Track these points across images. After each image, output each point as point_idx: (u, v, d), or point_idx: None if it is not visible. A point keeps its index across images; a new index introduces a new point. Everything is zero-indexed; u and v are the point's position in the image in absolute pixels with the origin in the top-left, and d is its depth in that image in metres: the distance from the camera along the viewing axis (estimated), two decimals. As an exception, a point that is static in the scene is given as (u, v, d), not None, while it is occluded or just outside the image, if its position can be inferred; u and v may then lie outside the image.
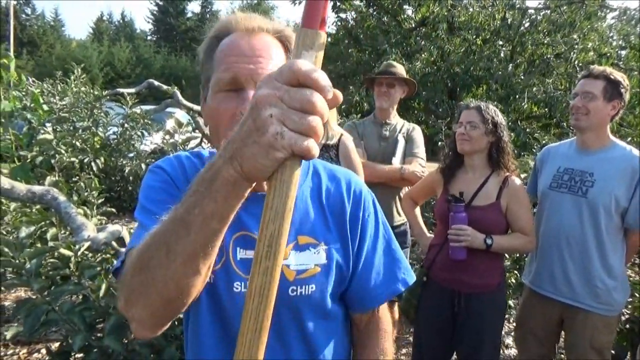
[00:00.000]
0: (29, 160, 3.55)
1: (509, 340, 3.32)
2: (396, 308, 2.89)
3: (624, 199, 2.07)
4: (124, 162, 4.77)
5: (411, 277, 1.03)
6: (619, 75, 2.11)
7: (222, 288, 0.87)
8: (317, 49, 0.57)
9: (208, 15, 36.68)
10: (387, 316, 1.06)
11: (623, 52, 8.64)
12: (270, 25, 0.88)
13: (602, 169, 2.11)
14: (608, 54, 7.72)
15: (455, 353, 2.29)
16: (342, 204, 0.98)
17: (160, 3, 36.69)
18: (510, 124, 8.74)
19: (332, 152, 2.34)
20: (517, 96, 8.22)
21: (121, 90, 5.22)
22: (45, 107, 3.97)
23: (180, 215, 0.63)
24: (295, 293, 0.90)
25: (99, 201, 3.38)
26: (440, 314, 2.21)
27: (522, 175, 3.13)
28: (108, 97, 5.30)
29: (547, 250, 2.24)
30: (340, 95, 0.57)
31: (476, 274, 2.15)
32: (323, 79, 0.54)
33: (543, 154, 2.41)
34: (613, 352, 2.44)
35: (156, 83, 5.03)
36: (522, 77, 8.45)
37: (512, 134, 8.08)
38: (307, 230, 0.93)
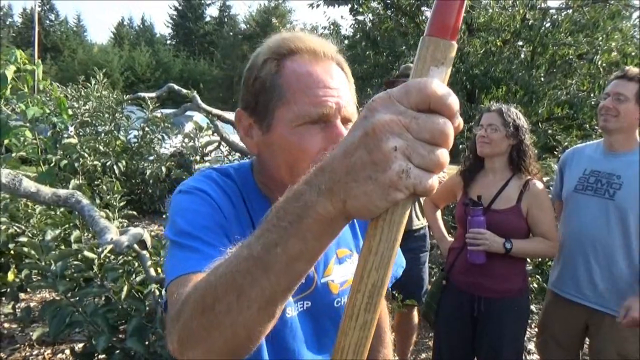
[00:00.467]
0: (53, 164, 3.63)
1: (530, 346, 3.26)
2: (416, 312, 2.87)
3: None
4: (145, 165, 4.85)
5: (401, 268, 1.11)
6: None
7: None
8: (448, 65, 0.47)
9: (226, 20, 37.05)
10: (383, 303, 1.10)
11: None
12: (329, 49, 0.83)
13: (629, 172, 2.07)
14: (633, 54, 7.55)
15: (475, 358, 2.26)
16: None
17: (180, 8, 37.22)
18: (531, 126, 8.61)
19: None
20: (537, 98, 8.10)
21: (142, 94, 5.30)
22: (69, 112, 4.06)
23: (257, 254, 0.53)
24: (339, 304, 0.94)
25: (121, 204, 3.44)
26: (460, 318, 2.19)
27: (545, 179, 3.08)
28: (129, 101, 5.40)
29: (571, 253, 2.19)
30: (462, 125, 0.48)
31: (496, 278, 2.12)
32: (457, 105, 0.45)
33: (567, 155, 2.37)
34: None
35: (176, 87, 5.09)
36: (543, 78, 8.33)
37: (533, 136, 7.99)
38: (344, 242, 0.97)
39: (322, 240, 0.51)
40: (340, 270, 0.95)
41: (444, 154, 0.45)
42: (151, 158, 5.25)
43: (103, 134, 4.57)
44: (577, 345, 2.31)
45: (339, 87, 0.81)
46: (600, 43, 7.70)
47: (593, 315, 2.16)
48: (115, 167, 4.13)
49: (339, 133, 0.78)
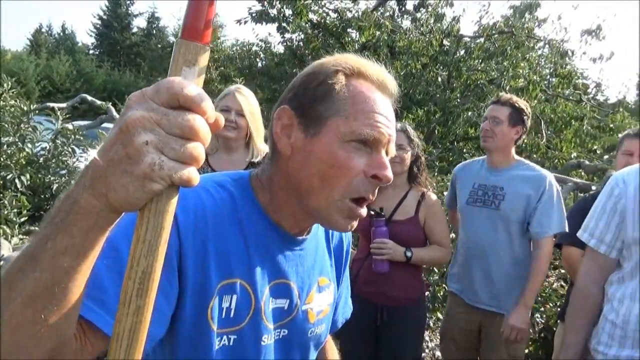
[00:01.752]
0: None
1: (439, 353, 3.42)
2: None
3: (532, 210, 2.25)
4: (53, 179, 4.56)
5: (344, 318, 1.16)
6: (522, 104, 2.32)
7: (247, 344, 0.83)
8: (200, 65, 0.50)
9: (154, 31, 36.03)
10: None
11: (554, 80, 9.27)
12: (393, 86, 0.86)
13: (510, 183, 2.29)
14: (536, 81, 8.26)
15: None
16: (341, 243, 1.07)
17: (105, 17, 35.69)
18: (448, 144, 9.14)
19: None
20: (453, 118, 8.60)
21: (51, 104, 5.00)
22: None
23: (31, 250, 0.53)
24: (313, 334, 0.95)
25: (22, 220, 3.21)
26: (364, 327, 2.27)
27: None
28: (38, 112, 5.07)
29: (467, 260, 2.38)
30: (222, 120, 0.52)
31: (398, 286, 2.24)
32: (207, 101, 0.49)
33: (457, 170, 2.59)
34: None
35: (89, 98, 4.86)
36: (459, 101, 8.88)
37: (449, 153, 8.49)
38: (325, 271, 0.99)
39: (89, 235, 0.51)
40: (319, 299, 0.95)
41: (197, 148, 0.49)
42: (62, 172, 4.95)
43: (6, 146, 4.25)
44: (475, 347, 2.48)
45: (393, 122, 0.84)
46: (508, 70, 8.35)
47: (487, 316, 2.34)
48: (17, 180, 3.85)
49: (383, 163, 0.80)
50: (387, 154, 0.83)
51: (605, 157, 7.84)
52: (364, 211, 0.83)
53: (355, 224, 0.84)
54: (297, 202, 0.84)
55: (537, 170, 2.32)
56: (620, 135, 2.46)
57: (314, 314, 0.94)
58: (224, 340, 0.81)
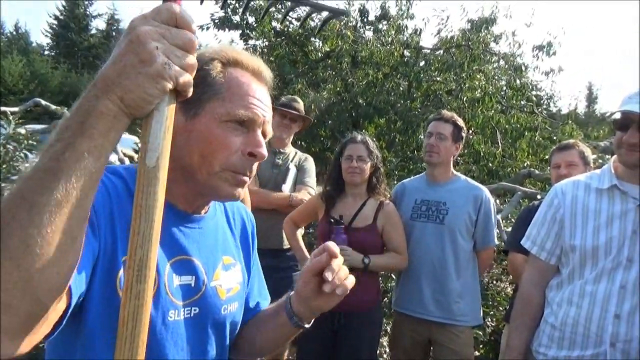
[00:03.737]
0: None
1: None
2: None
3: (472, 223, 2.35)
4: (3, 186, 4.38)
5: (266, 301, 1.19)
6: (461, 122, 2.45)
7: (155, 320, 0.84)
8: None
9: (114, 33, 35.13)
10: None
11: (509, 92, 9.64)
12: (268, 75, 0.95)
13: (451, 198, 2.41)
14: (492, 92, 8.58)
15: None
16: (244, 226, 1.12)
17: (61, 17, 34.53)
18: (408, 153, 9.34)
19: None
20: (414, 128, 8.81)
21: (3, 108, 4.81)
22: None
23: (46, 166, 0.54)
24: (226, 311, 0.97)
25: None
26: (321, 333, 2.31)
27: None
28: (-13, 115, 4.87)
29: (414, 274, 2.45)
30: (198, 41, 0.64)
31: (355, 292, 2.28)
32: (195, 25, 0.62)
33: (397, 189, 2.67)
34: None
35: (43, 102, 4.70)
36: (419, 110, 9.10)
37: (409, 162, 8.68)
38: (228, 250, 1.03)
39: (108, 136, 0.58)
40: (226, 277, 0.99)
41: (192, 59, 0.61)
42: (14, 178, 4.77)
43: (-49, 150, 4.06)
44: (425, 356, 2.56)
45: (268, 106, 0.93)
46: (465, 82, 8.64)
47: (436, 327, 2.41)
48: (-37, 187, 3.68)
49: (259, 141, 0.88)
50: (264, 135, 0.91)
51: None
52: (246, 178, 0.90)
53: (241, 191, 0.91)
54: (185, 182, 0.90)
55: (473, 185, 2.47)
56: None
57: (224, 290, 0.97)
58: None
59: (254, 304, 1.13)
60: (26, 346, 0.58)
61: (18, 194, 0.54)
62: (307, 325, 1.00)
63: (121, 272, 0.80)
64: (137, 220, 0.58)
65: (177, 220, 0.92)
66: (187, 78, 0.61)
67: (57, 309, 0.65)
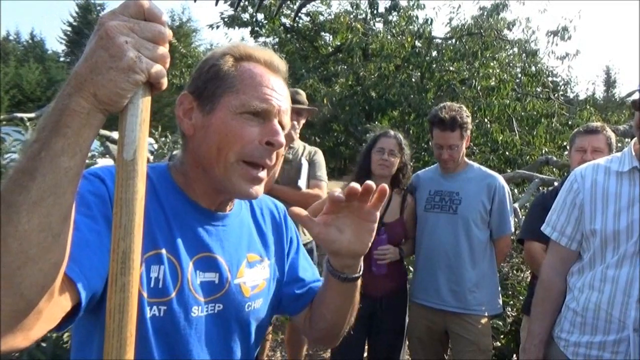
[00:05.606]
0: None
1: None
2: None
3: (486, 211, 2.32)
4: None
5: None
6: (464, 114, 2.34)
7: (178, 315, 0.85)
8: None
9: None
10: None
11: (524, 78, 9.48)
12: (282, 66, 0.94)
13: (465, 188, 2.38)
14: (506, 80, 8.45)
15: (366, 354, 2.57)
16: (274, 221, 1.10)
17: (75, 24, 35.03)
18: (423, 144, 9.27)
19: None
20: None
21: (20, 115, 4.90)
22: None
23: (23, 166, 0.56)
24: (250, 308, 0.97)
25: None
26: (357, 320, 2.34)
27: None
28: (5, 123, 4.95)
29: (429, 266, 2.43)
30: (171, 34, 0.64)
31: (391, 279, 2.38)
32: (165, 16, 0.62)
33: (412, 180, 2.63)
34: (494, 352, 2.68)
35: (60, 107, 4.76)
36: (432, 101, 9.02)
37: (424, 154, 8.60)
38: (254, 248, 1.02)
39: (82, 133, 0.58)
40: (251, 274, 0.98)
41: (163, 50, 0.61)
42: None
43: (-28, 158, 4.14)
44: (441, 346, 2.54)
45: (283, 95, 0.91)
46: (478, 70, 8.51)
47: (452, 317, 2.39)
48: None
49: (276, 130, 0.87)
50: (281, 126, 0.89)
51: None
52: (263, 174, 0.88)
53: (259, 189, 0.89)
54: (206, 179, 0.90)
55: (487, 173, 2.43)
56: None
57: (248, 288, 0.97)
58: (154, 311, 0.83)
59: (310, 285, 1.10)
60: (22, 341, 0.59)
61: (5, 191, 0.56)
62: (355, 275, 0.95)
63: (142, 267, 0.81)
64: (118, 214, 0.59)
65: (201, 218, 0.92)
66: (159, 69, 0.61)
67: (61, 305, 0.65)
